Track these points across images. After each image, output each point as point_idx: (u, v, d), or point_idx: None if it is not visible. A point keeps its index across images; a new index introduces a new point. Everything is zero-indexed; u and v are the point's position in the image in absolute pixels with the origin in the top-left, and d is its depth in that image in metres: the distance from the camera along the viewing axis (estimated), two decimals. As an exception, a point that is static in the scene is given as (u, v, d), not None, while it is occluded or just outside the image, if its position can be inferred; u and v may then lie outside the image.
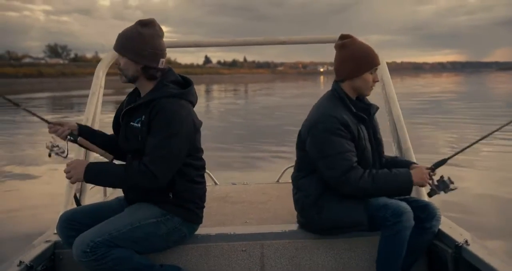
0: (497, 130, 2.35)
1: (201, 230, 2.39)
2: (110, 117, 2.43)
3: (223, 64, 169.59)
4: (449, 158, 2.35)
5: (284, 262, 2.43)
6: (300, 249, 2.43)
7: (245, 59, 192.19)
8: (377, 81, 2.36)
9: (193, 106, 2.26)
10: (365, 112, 2.34)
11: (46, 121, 2.29)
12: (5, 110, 19.55)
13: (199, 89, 49.70)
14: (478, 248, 2.15)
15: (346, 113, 2.25)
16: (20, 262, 2.10)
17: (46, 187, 7.42)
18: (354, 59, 2.28)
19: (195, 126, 2.19)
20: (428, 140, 11.09)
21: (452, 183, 2.26)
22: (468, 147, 2.35)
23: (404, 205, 2.19)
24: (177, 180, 2.18)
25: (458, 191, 2.27)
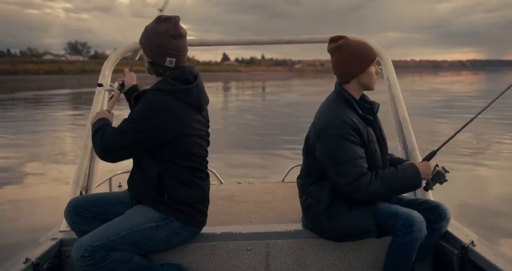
0: (472, 120, 2.38)
1: (206, 229, 2.40)
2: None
3: (241, 62, 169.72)
4: (438, 149, 2.38)
5: (289, 261, 2.43)
6: (305, 249, 2.43)
7: (263, 57, 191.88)
8: (379, 72, 2.35)
9: (194, 107, 2.19)
10: (370, 112, 2.33)
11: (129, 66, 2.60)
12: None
13: (217, 86, 49.92)
14: (484, 249, 2.15)
15: (355, 116, 2.23)
16: (27, 259, 2.11)
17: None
18: (357, 56, 2.26)
19: (169, 125, 2.12)
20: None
21: (447, 171, 2.28)
22: (451, 137, 2.38)
23: (415, 214, 2.16)
24: (168, 181, 2.16)
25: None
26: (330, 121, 2.22)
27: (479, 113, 2.37)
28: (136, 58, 2.63)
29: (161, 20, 2.19)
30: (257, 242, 2.42)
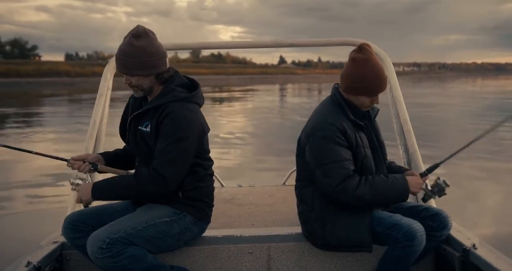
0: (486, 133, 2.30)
1: (208, 232, 2.40)
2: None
3: (297, 65, 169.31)
4: (441, 162, 2.31)
5: (290, 264, 2.42)
6: (306, 252, 2.42)
7: (319, 60, 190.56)
8: (377, 103, 2.28)
9: (200, 107, 2.26)
10: (364, 117, 2.30)
11: (65, 160, 2.27)
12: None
13: (274, 88, 50.37)
14: (485, 252, 2.14)
15: (344, 120, 2.20)
16: (28, 262, 2.12)
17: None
18: (354, 80, 2.20)
19: (202, 128, 2.20)
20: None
21: (448, 185, 2.25)
22: (460, 150, 2.30)
23: (417, 226, 2.13)
24: (186, 180, 2.19)
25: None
26: (319, 123, 2.22)
27: (488, 132, 2.31)
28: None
29: (138, 35, 2.12)
30: (259, 245, 2.42)
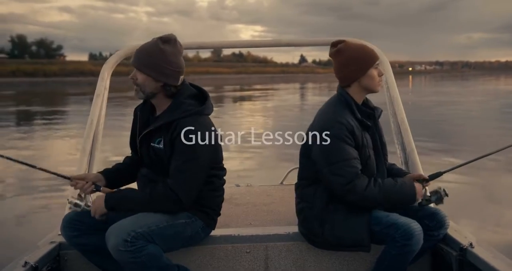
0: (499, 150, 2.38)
1: None
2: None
3: (318, 63, 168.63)
4: (445, 172, 2.33)
5: (288, 264, 2.42)
6: (304, 251, 2.41)
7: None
8: (382, 75, 2.33)
9: (209, 115, 2.23)
10: (370, 117, 2.30)
11: (68, 177, 2.23)
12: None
13: (294, 87, 50.51)
14: (483, 251, 2.13)
15: (352, 119, 2.22)
16: (26, 263, 2.10)
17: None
18: (356, 59, 2.25)
19: (216, 140, 2.17)
20: None
21: (447, 195, 2.27)
22: (466, 163, 2.37)
23: (414, 225, 2.12)
24: (202, 189, 2.18)
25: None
26: (327, 122, 2.22)
27: (498, 150, 2.39)
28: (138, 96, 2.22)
29: (166, 40, 2.13)
30: (256, 244, 2.42)
